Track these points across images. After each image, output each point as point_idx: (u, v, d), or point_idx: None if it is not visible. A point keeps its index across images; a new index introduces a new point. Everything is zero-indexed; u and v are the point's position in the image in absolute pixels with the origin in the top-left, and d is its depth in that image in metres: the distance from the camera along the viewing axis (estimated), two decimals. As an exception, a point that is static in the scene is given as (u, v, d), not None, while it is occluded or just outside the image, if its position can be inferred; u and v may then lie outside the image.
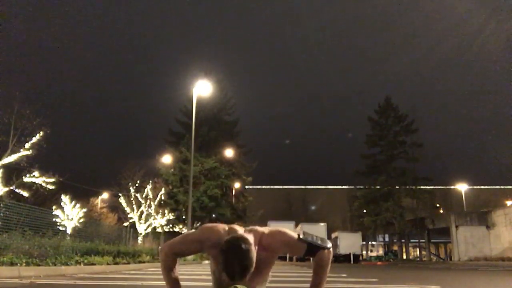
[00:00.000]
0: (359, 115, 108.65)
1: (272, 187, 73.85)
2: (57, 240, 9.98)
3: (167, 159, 31.77)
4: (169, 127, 39.76)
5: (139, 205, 24.39)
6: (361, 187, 48.14)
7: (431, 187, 46.89)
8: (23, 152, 13.16)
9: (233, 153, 34.42)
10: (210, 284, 2.67)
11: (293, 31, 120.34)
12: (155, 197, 25.57)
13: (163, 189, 27.55)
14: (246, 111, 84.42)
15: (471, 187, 56.69)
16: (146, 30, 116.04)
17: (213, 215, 31.83)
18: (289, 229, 2.58)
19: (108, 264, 10.28)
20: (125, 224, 25.46)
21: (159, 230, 27.28)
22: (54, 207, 17.42)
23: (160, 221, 26.43)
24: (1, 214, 10.92)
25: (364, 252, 52.10)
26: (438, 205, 54.03)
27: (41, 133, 13.41)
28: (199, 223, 29.95)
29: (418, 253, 56.71)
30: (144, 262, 13.16)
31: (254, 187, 52.07)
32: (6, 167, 13.12)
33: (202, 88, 20.18)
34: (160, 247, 2.64)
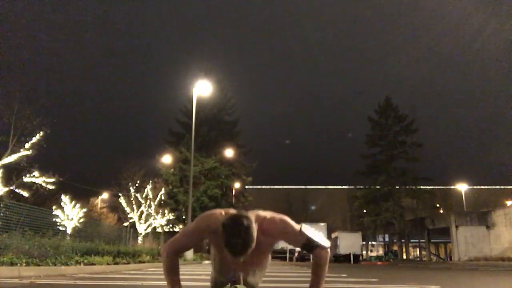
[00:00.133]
0: (359, 115, 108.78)
1: (272, 187, 73.85)
2: (57, 240, 9.98)
3: (167, 159, 31.78)
4: (169, 127, 39.83)
5: (139, 205, 24.39)
6: (361, 187, 48.15)
7: (431, 187, 46.90)
8: (23, 152, 13.16)
9: (233, 153, 34.43)
10: (210, 284, 2.67)
11: (293, 31, 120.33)
12: (155, 197, 25.57)
13: (163, 189, 27.56)
14: (246, 111, 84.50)
15: (471, 187, 56.69)
16: (146, 30, 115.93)
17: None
18: None
19: (108, 264, 10.28)
20: (125, 224, 25.47)
21: (159, 230, 27.29)
22: (54, 207, 17.43)
23: (160, 221, 26.44)
24: (1, 214, 10.91)
25: (364, 252, 52.09)
26: (438, 205, 54.02)
27: (41, 133, 13.41)
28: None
29: (418, 253, 56.69)
30: (144, 262, 13.16)
31: (254, 187, 52.07)
32: (6, 167, 13.12)
33: (202, 88, 20.17)
34: (160, 247, 2.65)
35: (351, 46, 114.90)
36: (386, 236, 53.31)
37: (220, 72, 41.38)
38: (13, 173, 13.90)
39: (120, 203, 25.12)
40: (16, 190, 13.96)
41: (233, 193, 36.77)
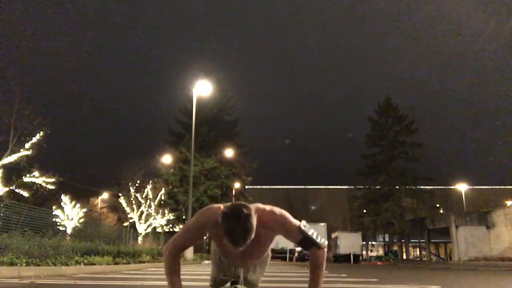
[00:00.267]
0: (359, 115, 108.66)
1: (272, 187, 73.85)
2: (57, 240, 9.97)
3: (167, 159, 31.78)
4: (169, 127, 39.83)
5: (139, 205, 24.40)
6: (361, 187, 48.14)
7: (431, 187, 46.91)
8: (23, 152, 13.16)
9: (233, 153, 34.42)
10: (210, 278, 2.67)
11: (293, 31, 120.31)
12: (155, 197, 25.58)
13: (163, 189, 27.57)
14: (246, 111, 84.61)
15: (471, 187, 56.69)
16: (146, 30, 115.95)
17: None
18: None
19: (108, 264, 10.28)
20: (125, 224, 25.47)
21: (159, 230, 27.30)
22: (54, 207, 17.45)
23: (160, 221, 26.45)
24: (1, 214, 10.91)
25: (364, 252, 52.11)
26: (438, 205, 54.01)
27: (41, 133, 13.41)
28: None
29: (418, 253, 56.69)
30: (144, 262, 13.16)
31: (254, 187, 52.07)
32: (6, 167, 13.12)
33: (202, 88, 20.16)
34: (160, 247, 2.66)
35: (351, 46, 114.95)
36: (386, 236, 53.27)
37: (220, 72, 41.35)
38: (13, 173, 13.91)
39: (120, 203, 25.13)
40: (16, 190, 13.97)
41: (233, 193, 36.76)
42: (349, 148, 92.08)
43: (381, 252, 60.30)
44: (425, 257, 48.25)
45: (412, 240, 48.89)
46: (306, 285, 2.61)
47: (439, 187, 53.34)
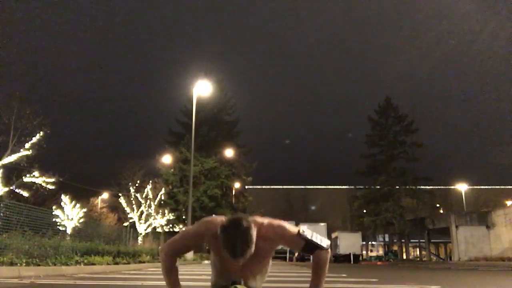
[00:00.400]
0: (359, 115, 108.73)
1: (272, 187, 73.83)
2: (57, 240, 9.96)
3: (167, 159, 31.77)
4: (169, 127, 39.83)
5: (139, 205, 24.40)
6: (361, 187, 48.15)
7: (431, 187, 46.89)
8: (23, 152, 13.17)
9: (233, 153, 34.41)
10: (210, 284, 2.67)
11: (293, 31, 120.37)
12: (155, 197, 25.58)
13: (163, 189, 27.57)
14: (246, 111, 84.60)
15: (471, 187, 56.66)
16: (146, 30, 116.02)
17: (213, 215, 31.80)
18: None
19: (108, 264, 10.28)
20: (125, 224, 25.47)
21: (159, 230, 27.31)
22: (54, 207, 17.44)
23: (160, 221, 26.45)
24: (1, 214, 10.91)
25: (364, 252, 52.09)
26: (438, 205, 54.00)
27: (41, 133, 13.42)
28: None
29: (418, 253, 56.70)
30: (144, 262, 13.16)
31: (254, 187, 52.06)
32: (6, 167, 13.13)
33: (202, 88, 20.16)
34: (160, 248, 2.64)
35: (351, 46, 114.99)
36: (386, 236, 53.31)
37: (220, 72, 41.45)
38: (13, 173, 13.91)
39: (120, 203, 25.14)
40: (16, 190, 13.98)
41: (233, 193, 36.76)
42: (349, 148, 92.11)
43: (381, 252, 60.29)
44: (425, 257, 48.26)
45: (412, 240, 48.88)
46: (306, 285, 2.60)
47: (439, 187, 53.33)
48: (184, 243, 2.52)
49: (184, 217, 29.54)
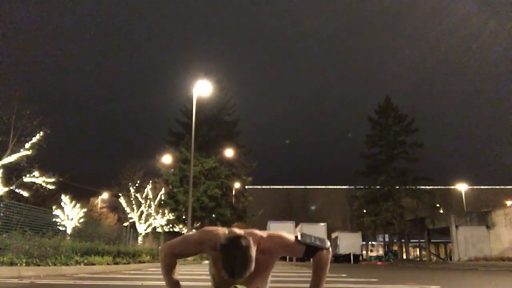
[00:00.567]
0: (359, 115, 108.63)
1: (272, 187, 73.83)
2: (57, 240, 9.96)
3: (167, 159, 31.76)
4: (169, 127, 39.80)
5: (139, 205, 24.41)
6: (361, 187, 48.14)
7: (431, 187, 46.89)
8: (23, 152, 13.18)
9: (233, 153, 34.39)
10: (210, 284, 2.67)
11: (293, 31, 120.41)
12: (155, 197, 25.60)
13: (163, 189, 27.58)
14: (246, 111, 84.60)
15: (471, 187, 56.68)
16: (146, 30, 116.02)
17: (213, 215, 31.81)
18: (289, 229, 2.58)
19: (108, 264, 10.28)
20: (125, 224, 25.49)
21: (159, 230, 27.31)
22: (54, 207, 17.44)
23: (160, 221, 26.46)
24: (1, 214, 10.91)
25: (364, 252, 52.10)
26: (438, 205, 54.02)
27: (41, 133, 13.42)
28: (199, 223, 29.95)
29: (418, 253, 56.69)
30: (144, 262, 13.16)
31: (254, 187, 52.06)
32: (6, 167, 13.13)
33: (202, 88, 20.16)
34: (160, 247, 2.63)
35: (351, 46, 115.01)
36: (386, 236, 53.33)
37: (220, 72, 41.41)
38: (13, 173, 13.92)
39: (120, 203, 25.16)
40: (16, 190, 13.99)
41: (233, 193, 36.73)
42: (349, 148, 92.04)
43: (381, 252, 60.30)
44: (425, 257, 48.26)
45: (412, 240, 48.90)
46: (307, 285, 2.59)
47: (439, 187, 53.33)
48: (183, 248, 2.51)
49: (184, 217, 29.52)
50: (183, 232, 28.63)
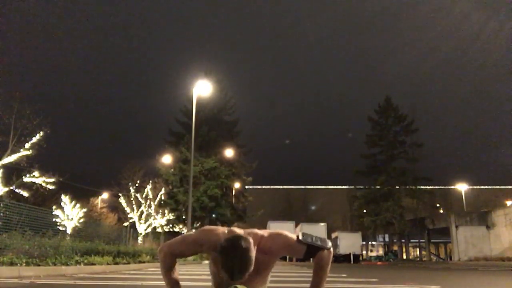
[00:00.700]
0: (359, 115, 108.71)
1: (272, 187, 73.79)
2: (57, 240, 9.96)
3: (167, 159, 31.76)
4: (169, 127, 39.76)
5: (139, 205, 24.41)
6: (361, 187, 48.11)
7: (431, 187, 46.86)
8: (23, 152, 13.17)
9: (233, 153, 34.39)
10: (210, 284, 2.67)
11: (293, 31, 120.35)
12: (155, 197, 25.59)
13: (163, 189, 27.56)
14: (246, 111, 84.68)
15: (471, 187, 56.66)
16: (146, 30, 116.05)
17: (213, 215, 31.82)
18: (289, 229, 2.58)
19: (108, 264, 10.28)
20: (125, 224, 25.49)
21: (159, 230, 27.30)
22: (54, 207, 17.44)
23: (160, 221, 26.46)
24: (1, 214, 10.91)
25: (364, 252, 52.09)
26: (438, 205, 54.01)
27: (41, 133, 13.41)
28: (199, 223, 29.96)
29: (418, 253, 56.69)
30: (144, 262, 13.16)
31: (254, 187, 52.06)
32: (6, 167, 13.13)
33: (202, 88, 20.16)
34: (159, 248, 2.63)
35: (351, 46, 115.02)
36: (386, 236, 53.30)
37: (220, 72, 41.31)
38: (13, 173, 13.91)
39: (120, 203, 25.15)
40: (16, 190, 13.97)
41: (233, 193, 36.73)
42: (349, 148, 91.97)
43: (381, 252, 60.28)
44: (425, 257, 48.25)
45: (412, 240, 48.89)
46: (307, 285, 2.59)
47: (439, 187, 53.31)
48: (182, 248, 2.50)
49: (184, 217, 29.52)
50: (183, 232, 28.65)
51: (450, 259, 44.62)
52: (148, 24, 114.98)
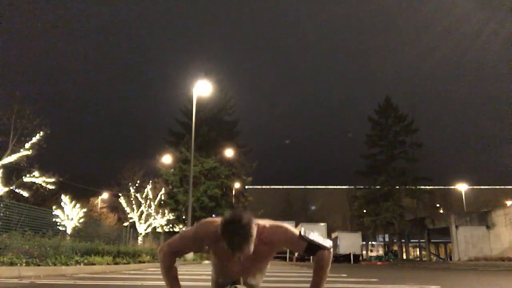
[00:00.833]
0: (359, 115, 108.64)
1: (272, 187, 73.76)
2: (57, 240, 9.95)
3: (167, 159, 31.77)
4: (169, 127, 39.79)
5: (139, 205, 24.39)
6: (361, 187, 48.13)
7: (431, 187, 46.88)
8: (23, 152, 13.16)
9: (233, 153, 34.40)
10: (210, 284, 2.67)
11: (293, 31, 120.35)
12: (155, 197, 25.57)
13: (163, 189, 27.54)
14: (246, 111, 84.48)
15: (471, 187, 56.65)
16: (146, 30, 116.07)
17: (213, 215, 31.79)
18: None
19: (108, 264, 10.27)
20: (125, 224, 25.48)
21: (159, 230, 27.30)
22: (54, 207, 17.43)
23: (160, 221, 26.45)
24: (1, 214, 10.91)
25: (364, 252, 52.09)
26: (438, 205, 54.01)
27: (41, 133, 13.40)
28: (199, 223, 29.93)
29: (418, 253, 56.69)
30: (144, 262, 13.15)
31: (254, 187, 52.02)
32: (6, 167, 13.12)
33: (202, 88, 20.17)
34: (158, 248, 2.63)
35: (351, 46, 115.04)
36: (386, 236, 53.30)
37: (220, 72, 41.37)
38: (13, 173, 13.90)
39: (120, 203, 25.14)
40: (16, 190, 13.96)
41: (233, 193, 36.74)
42: (349, 148, 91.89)
43: (381, 252, 60.26)
44: (425, 257, 48.25)
45: (412, 240, 48.89)
46: (307, 285, 2.59)
47: (439, 187, 53.32)
48: (182, 244, 2.50)
49: (184, 217, 29.53)
50: (183, 232, 28.58)
51: (450, 259, 44.61)
52: (148, 24, 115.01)
